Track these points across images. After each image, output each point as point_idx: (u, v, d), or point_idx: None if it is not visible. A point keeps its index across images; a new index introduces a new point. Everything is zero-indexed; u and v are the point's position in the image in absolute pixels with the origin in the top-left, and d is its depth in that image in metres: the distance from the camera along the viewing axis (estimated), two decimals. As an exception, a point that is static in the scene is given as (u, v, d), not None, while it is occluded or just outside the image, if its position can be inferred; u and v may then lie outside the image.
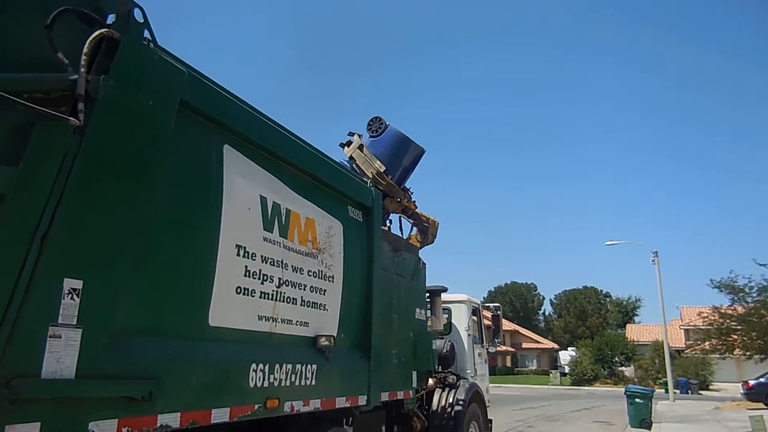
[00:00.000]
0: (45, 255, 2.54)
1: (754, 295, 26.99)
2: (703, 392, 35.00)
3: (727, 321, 27.20)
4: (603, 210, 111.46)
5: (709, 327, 28.24)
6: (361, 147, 7.63)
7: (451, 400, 8.17)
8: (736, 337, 27.40)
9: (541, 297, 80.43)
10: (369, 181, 6.01)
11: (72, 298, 2.66)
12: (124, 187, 3.00)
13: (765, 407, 20.01)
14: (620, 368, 45.68)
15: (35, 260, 2.50)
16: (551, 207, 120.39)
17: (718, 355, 30.43)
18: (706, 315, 28.07)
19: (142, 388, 2.99)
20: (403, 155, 7.83)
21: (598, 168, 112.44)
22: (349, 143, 7.76)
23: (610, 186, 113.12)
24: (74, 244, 2.71)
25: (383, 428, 6.78)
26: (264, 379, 4.02)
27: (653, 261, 28.08)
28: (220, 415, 3.60)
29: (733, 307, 27.55)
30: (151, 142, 3.15)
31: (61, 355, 2.60)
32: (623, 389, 18.24)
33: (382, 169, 7.45)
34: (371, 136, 7.81)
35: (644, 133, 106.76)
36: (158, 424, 3.11)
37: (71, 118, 2.69)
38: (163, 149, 3.23)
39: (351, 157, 7.60)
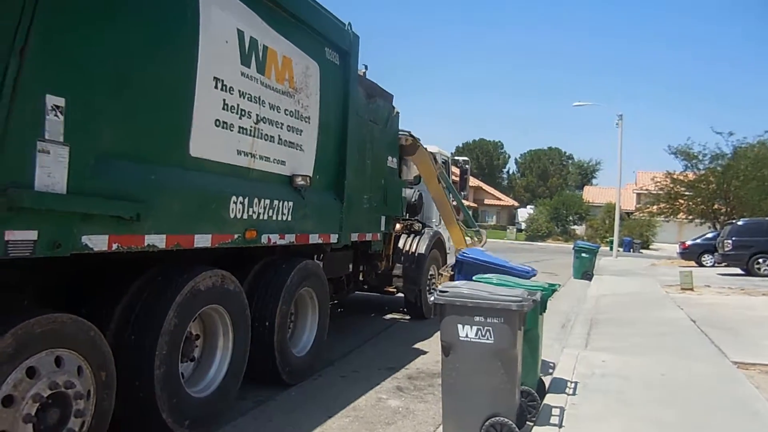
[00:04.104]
0: (25, 68, 2.51)
1: (707, 162, 28.29)
2: (644, 251, 37.79)
3: (677, 186, 28.66)
4: (574, 72, 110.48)
5: (659, 192, 29.72)
6: None
7: (415, 245, 8.71)
8: (682, 201, 29.10)
9: (506, 155, 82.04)
10: (347, 23, 5.79)
11: (56, 115, 2.69)
12: (100, 8, 2.94)
13: (696, 265, 21.96)
14: (573, 227, 48.58)
15: (16, 73, 2.48)
16: (526, 66, 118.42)
17: (663, 218, 32.54)
18: (659, 180, 29.36)
19: (129, 208, 3.15)
20: None
21: (574, 23, 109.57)
22: None
23: (584, 45, 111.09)
24: (53, 61, 2.69)
25: (350, 266, 7.31)
26: (243, 211, 4.23)
27: (617, 124, 28.55)
28: (202, 241, 3.84)
29: (684, 174, 28.86)
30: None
31: (51, 170, 2.68)
32: (572, 245, 19.59)
33: None
34: None
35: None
36: (145, 243, 3.33)
37: None
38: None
39: None
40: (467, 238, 8.99)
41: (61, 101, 2.70)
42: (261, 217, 4.46)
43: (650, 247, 40.53)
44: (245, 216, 4.26)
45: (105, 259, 3.31)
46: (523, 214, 55.68)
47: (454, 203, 9.31)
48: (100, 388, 3.10)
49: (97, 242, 2.99)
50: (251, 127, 4.30)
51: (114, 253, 3.13)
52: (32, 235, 2.62)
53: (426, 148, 8.60)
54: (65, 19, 2.75)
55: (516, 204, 64.77)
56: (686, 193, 28.69)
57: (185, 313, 3.74)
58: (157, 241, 3.42)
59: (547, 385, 4.98)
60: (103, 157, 3.01)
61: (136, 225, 3.22)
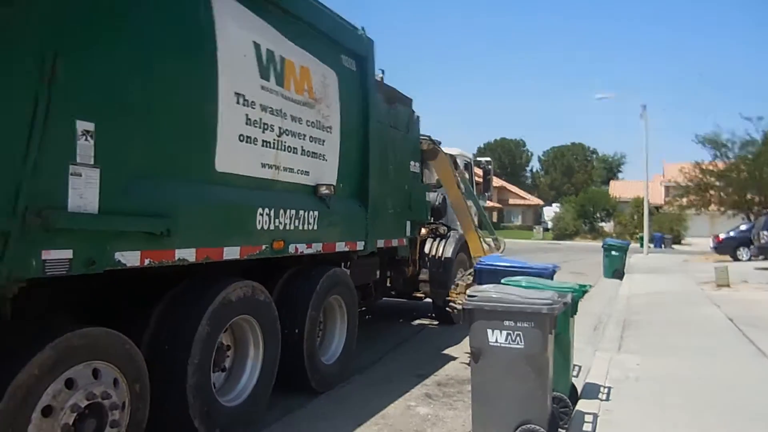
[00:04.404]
0: (54, 96, 2.61)
1: (736, 150, 27.38)
2: (675, 246, 37.05)
3: (707, 177, 27.83)
4: (596, 66, 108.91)
5: (688, 184, 28.96)
6: None
7: (441, 249, 8.68)
8: (713, 192, 28.23)
9: (529, 153, 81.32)
10: (360, 28, 5.81)
11: (86, 140, 2.79)
12: (118, 32, 3.04)
13: (731, 260, 21.38)
14: (600, 224, 47.82)
15: (47, 101, 2.58)
16: (545, 62, 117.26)
17: (693, 211, 31.70)
18: (687, 171, 28.59)
19: (160, 224, 3.23)
20: None
21: (595, 11, 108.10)
22: None
23: (604, 35, 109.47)
24: (81, 88, 2.79)
25: (378, 272, 7.31)
26: (270, 223, 4.29)
27: (641, 115, 28.02)
28: (231, 253, 3.91)
29: (714, 163, 28.00)
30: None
31: (83, 192, 2.78)
32: (601, 243, 19.25)
33: None
34: None
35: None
36: (176, 258, 3.41)
37: None
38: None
39: None
40: (485, 245, 8.93)
41: (90, 126, 2.80)
42: (287, 228, 4.51)
43: (682, 242, 39.68)
44: (272, 227, 4.32)
45: (139, 274, 3.39)
46: (549, 212, 54.99)
47: (474, 210, 9.24)
48: (135, 400, 3.18)
49: (130, 258, 3.08)
50: (274, 139, 4.36)
51: (147, 267, 3.21)
52: (68, 254, 2.72)
53: (446, 153, 8.57)
54: (89, 47, 2.85)
55: (541, 203, 64.07)
56: (717, 183, 27.81)
57: (217, 322, 3.82)
58: (188, 254, 3.49)
59: (579, 391, 4.89)
60: (133, 177, 3.10)
61: (167, 240, 3.30)
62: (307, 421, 4.55)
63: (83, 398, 2.85)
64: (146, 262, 3.18)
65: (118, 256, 3.00)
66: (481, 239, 8.49)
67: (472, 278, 7.29)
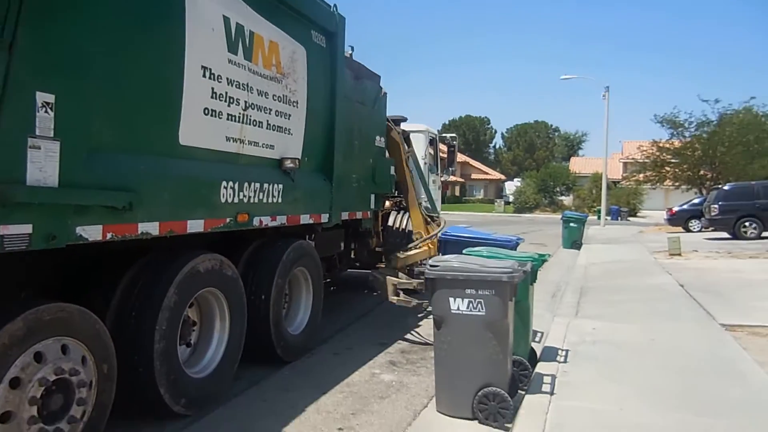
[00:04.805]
0: (14, 66, 2.53)
1: (692, 129, 28.52)
2: (631, 219, 38.22)
3: (663, 154, 28.91)
4: (560, 44, 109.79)
5: (645, 160, 29.97)
6: None
7: (404, 222, 8.78)
8: (668, 169, 29.38)
9: (493, 130, 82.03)
10: (332, 5, 5.77)
11: (46, 111, 2.72)
12: (86, 3, 2.94)
13: (683, 231, 22.27)
14: (560, 198, 48.87)
15: (5, 70, 2.50)
16: (513, 39, 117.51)
17: (649, 186, 32.81)
18: (645, 149, 29.58)
19: (121, 198, 3.19)
20: None
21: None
22: None
23: (568, 16, 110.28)
24: (41, 57, 2.70)
25: (342, 244, 7.39)
26: (234, 196, 4.29)
27: (604, 96, 28.62)
28: (195, 226, 3.90)
29: (670, 142, 29.13)
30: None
31: (43, 165, 2.72)
32: (560, 215, 19.77)
33: None
34: None
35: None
36: (139, 231, 3.39)
37: None
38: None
39: None
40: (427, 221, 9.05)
41: (51, 98, 2.73)
42: (252, 201, 4.51)
43: (638, 214, 40.96)
44: (236, 200, 4.31)
45: (103, 248, 3.37)
46: (511, 187, 55.83)
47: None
48: (102, 380, 3.19)
49: (92, 233, 3.05)
50: (240, 113, 4.32)
51: (110, 242, 3.19)
52: (27, 228, 2.67)
53: (399, 131, 8.58)
54: (51, 14, 2.75)
55: (503, 177, 64.98)
56: (672, 160, 28.95)
57: (185, 292, 3.86)
58: (151, 228, 3.48)
59: (538, 354, 5.09)
60: (94, 150, 3.04)
61: (129, 214, 3.27)
62: (274, 391, 4.61)
63: (51, 372, 2.86)
64: (108, 236, 3.15)
65: (79, 230, 2.96)
66: (424, 217, 8.63)
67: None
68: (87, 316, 3.10)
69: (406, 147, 8.47)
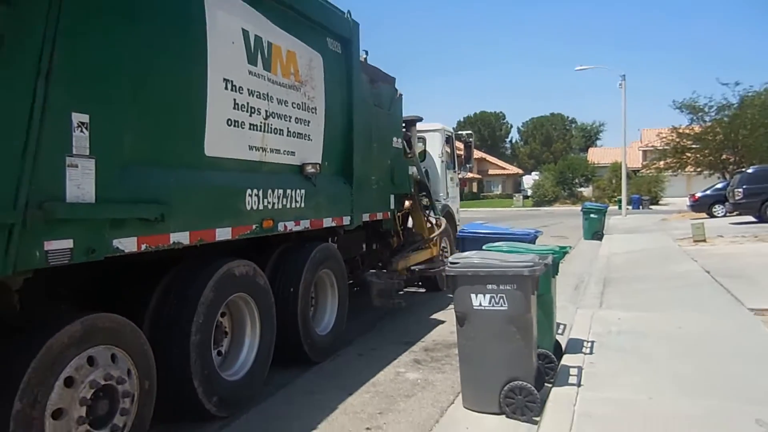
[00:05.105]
0: (51, 90, 2.67)
1: (713, 114, 28.01)
2: (653, 207, 37.73)
3: (684, 140, 28.44)
4: (575, 36, 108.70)
5: (666, 147, 29.53)
6: None
7: (443, 220, 8.85)
8: (689, 155, 28.88)
9: (509, 125, 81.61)
10: (346, 11, 5.90)
11: (82, 131, 2.87)
12: (113, 25, 3.09)
13: (707, 217, 21.95)
14: (579, 189, 48.42)
15: (44, 95, 2.64)
16: (525, 34, 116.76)
17: (671, 173, 32.33)
18: (664, 136, 29.15)
19: (154, 210, 3.34)
20: None
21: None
22: None
23: (581, 7, 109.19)
24: (76, 80, 2.85)
25: (364, 245, 7.48)
26: (259, 203, 4.42)
27: (620, 85, 28.32)
28: (223, 234, 4.04)
29: (690, 127, 28.64)
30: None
31: (80, 182, 2.86)
32: (580, 207, 19.61)
33: None
34: None
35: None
36: (171, 241, 3.53)
37: None
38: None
39: None
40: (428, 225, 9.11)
41: (85, 118, 2.88)
42: (276, 207, 4.64)
43: (659, 202, 40.44)
44: (261, 207, 4.44)
45: (137, 258, 3.51)
46: (529, 181, 55.43)
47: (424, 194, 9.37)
48: (143, 395, 3.34)
49: (127, 244, 3.19)
50: (261, 122, 4.46)
51: (143, 252, 3.33)
52: (69, 243, 2.82)
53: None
54: (83, 42, 2.90)
55: (521, 172, 64.58)
56: (693, 146, 28.44)
57: (220, 292, 4.03)
58: (182, 237, 3.61)
59: (564, 347, 5.09)
60: (126, 165, 3.19)
61: (162, 225, 3.41)
62: (300, 394, 4.66)
63: (101, 377, 3.02)
64: (143, 247, 3.29)
65: (116, 243, 3.10)
66: (426, 218, 8.71)
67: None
68: (135, 331, 3.31)
69: (408, 149, 8.55)
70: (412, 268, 8.00)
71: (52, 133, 2.70)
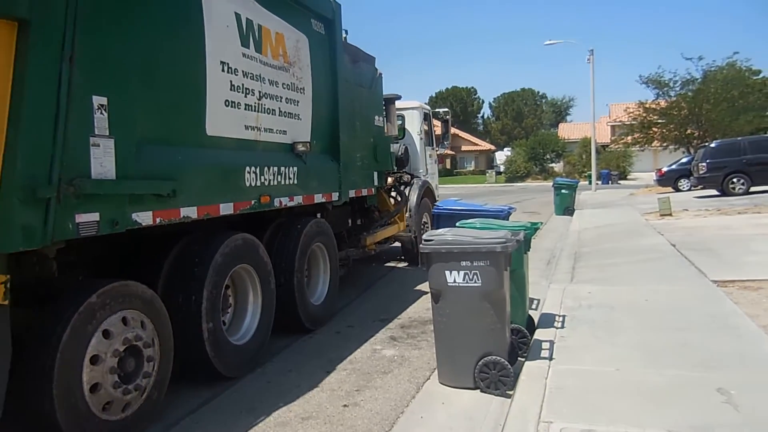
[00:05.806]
0: (75, 74, 2.90)
1: (678, 88, 28.60)
2: (621, 182, 38.63)
3: (650, 115, 29.09)
4: (544, 9, 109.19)
5: (633, 122, 30.16)
6: None
7: (407, 196, 9.20)
8: (656, 129, 29.55)
9: (480, 101, 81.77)
10: None
11: (101, 113, 3.10)
12: (125, 12, 3.33)
13: (673, 191, 22.66)
14: (551, 165, 49.30)
15: (69, 79, 2.87)
16: (494, 6, 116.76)
17: (638, 148, 33.14)
18: (631, 111, 29.76)
19: (166, 186, 3.61)
20: None
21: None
22: None
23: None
24: (95, 65, 3.08)
25: (349, 220, 7.79)
26: (256, 180, 4.69)
27: (588, 59, 28.81)
28: (226, 209, 4.32)
29: (656, 102, 29.24)
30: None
31: (103, 160, 3.11)
32: (552, 183, 20.06)
33: None
34: None
35: None
36: (182, 215, 3.80)
37: None
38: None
39: None
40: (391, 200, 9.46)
41: (104, 100, 3.12)
42: (272, 183, 4.92)
43: (628, 177, 41.44)
44: (258, 183, 4.72)
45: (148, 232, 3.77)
46: (501, 156, 56.15)
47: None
48: (163, 362, 3.69)
49: (144, 218, 3.46)
50: (255, 103, 4.70)
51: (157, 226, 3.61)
52: (95, 216, 3.08)
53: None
54: (101, 27, 3.13)
55: (493, 148, 65.11)
56: (659, 120, 29.05)
57: (228, 260, 4.35)
58: (191, 212, 3.89)
59: (536, 321, 5.16)
60: (141, 145, 3.43)
61: (173, 200, 3.68)
62: (277, 373, 4.67)
63: (132, 337, 3.40)
64: (158, 220, 3.56)
65: (135, 216, 3.37)
66: (388, 196, 9.10)
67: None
68: (161, 305, 3.67)
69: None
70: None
71: (77, 114, 2.94)
